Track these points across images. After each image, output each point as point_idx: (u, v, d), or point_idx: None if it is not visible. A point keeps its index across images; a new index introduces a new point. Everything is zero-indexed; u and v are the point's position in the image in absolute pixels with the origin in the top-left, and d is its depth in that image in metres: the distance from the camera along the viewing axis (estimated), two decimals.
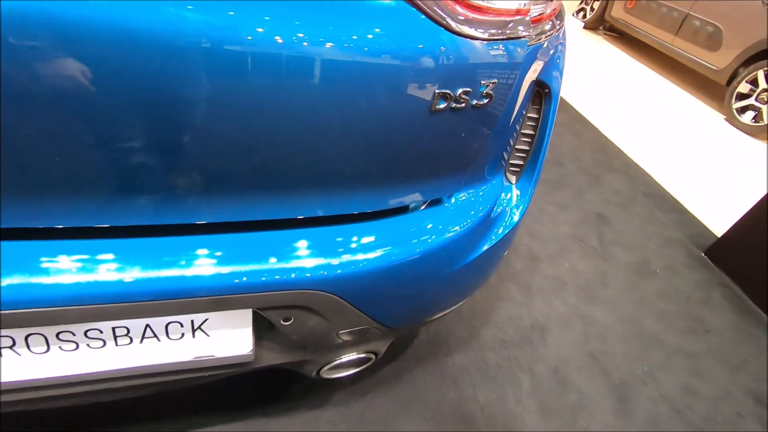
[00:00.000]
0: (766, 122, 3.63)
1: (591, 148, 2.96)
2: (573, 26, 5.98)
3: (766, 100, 3.64)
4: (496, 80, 0.63)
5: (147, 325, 0.66)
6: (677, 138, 3.47)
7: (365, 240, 0.71)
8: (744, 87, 3.79)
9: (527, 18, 0.66)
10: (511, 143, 0.87)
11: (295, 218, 0.67)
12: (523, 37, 0.65)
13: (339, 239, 0.69)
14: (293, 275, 0.64)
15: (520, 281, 1.81)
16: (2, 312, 0.53)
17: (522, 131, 0.88)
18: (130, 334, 0.66)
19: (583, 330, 1.68)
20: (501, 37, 0.62)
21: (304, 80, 0.53)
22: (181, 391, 1.20)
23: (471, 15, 0.59)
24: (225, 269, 0.62)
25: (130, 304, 0.57)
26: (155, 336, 0.68)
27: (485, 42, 0.61)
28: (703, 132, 3.69)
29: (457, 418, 1.30)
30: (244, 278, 0.62)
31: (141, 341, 0.67)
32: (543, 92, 0.84)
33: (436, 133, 0.65)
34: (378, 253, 0.70)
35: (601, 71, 4.57)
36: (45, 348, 0.63)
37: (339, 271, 0.67)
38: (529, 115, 0.86)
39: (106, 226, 0.58)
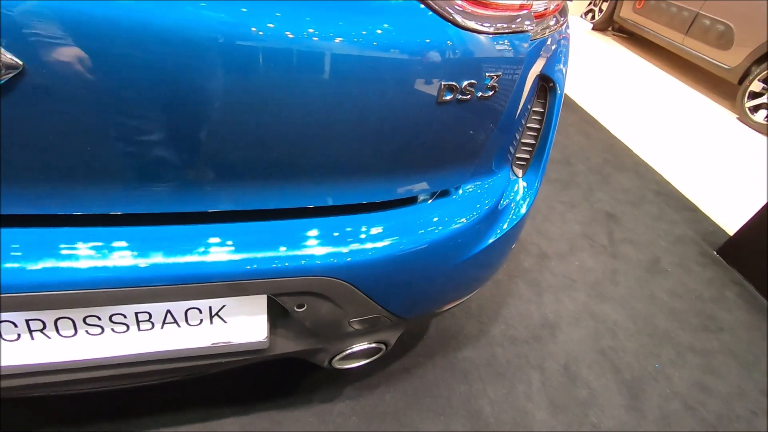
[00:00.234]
0: None
1: (600, 148, 2.95)
2: (581, 28, 5.97)
3: None
4: (500, 73, 0.66)
5: (168, 311, 0.69)
6: (688, 137, 3.44)
7: (375, 230, 0.73)
8: (756, 85, 3.75)
9: (531, 13, 0.68)
10: (517, 137, 0.89)
11: (307, 207, 0.70)
12: (527, 31, 0.67)
13: (349, 229, 0.72)
14: (306, 262, 0.67)
15: (530, 279, 1.82)
16: (37, 293, 0.56)
17: (528, 125, 0.90)
18: (152, 320, 0.69)
19: (593, 327, 1.68)
20: (505, 31, 0.65)
21: (316, 74, 0.56)
22: (199, 383, 1.24)
23: (477, 10, 0.62)
24: (241, 255, 0.65)
25: (153, 288, 0.61)
26: (175, 321, 0.71)
27: (490, 36, 0.63)
28: (714, 131, 3.65)
29: (466, 413, 1.31)
30: (259, 264, 0.65)
31: (162, 327, 0.71)
32: (548, 86, 0.86)
33: (443, 125, 0.67)
34: (387, 242, 0.73)
35: (610, 72, 4.55)
36: (73, 332, 0.67)
37: (350, 259, 0.70)
38: (534, 109, 0.88)
39: (131, 213, 0.62)
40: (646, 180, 2.70)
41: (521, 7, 0.66)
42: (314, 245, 0.68)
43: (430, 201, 0.82)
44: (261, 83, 0.55)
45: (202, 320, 0.72)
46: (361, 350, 0.95)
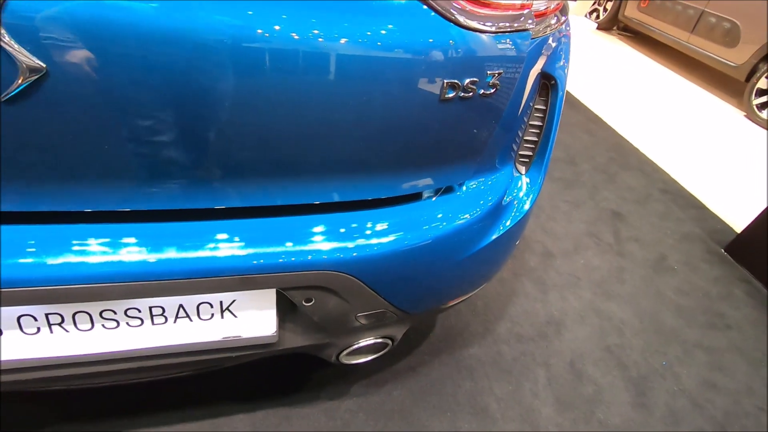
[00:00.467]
0: None
1: (605, 147, 2.95)
2: (586, 27, 5.96)
3: None
4: (501, 71, 0.67)
5: (180, 305, 0.71)
6: (695, 135, 3.42)
7: (380, 225, 0.75)
8: (764, 83, 3.72)
9: (531, 12, 0.70)
10: (520, 134, 0.91)
11: (314, 204, 0.72)
12: (527, 30, 0.69)
13: (355, 224, 0.74)
14: (313, 257, 0.69)
15: (535, 277, 1.83)
16: (56, 287, 0.59)
17: (530, 123, 0.91)
18: (165, 314, 0.71)
19: (599, 325, 1.68)
20: (506, 30, 0.66)
21: (322, 74, 0.58)
22: (207, 380, 1.26)
23: (478, 10, 0.63)
24: (250, 250, 0.67)
25: (166, 282, 0.63)
26: (188, 316, 0.73)
27: (491, 35, 0.65)
28: (722, 129, 3.63)
29: (473, 410, 1.32)
30: (268, 259, 0.67)
31: (175, 321, 0.73)
32: (549, 84, 0.88)
33: (446, 122, 0.69)
34: (392, 237, 0.75)
35: (615, 71, 4.54)
36: (90, 326, 0.69)
37: (356, 254, 0.71)
38: (536, 106, 0.90)
39: (145, 210, 0.64)
40: (653, 178, 2.69)
41: (522, 7, 0.68)
42: (321, 240, 0.70)
43: (434, 198, 0.83)
44: (268, 83, 0.57)
45: (213, 314, 0.74)
46: (368, 345, 0.97)
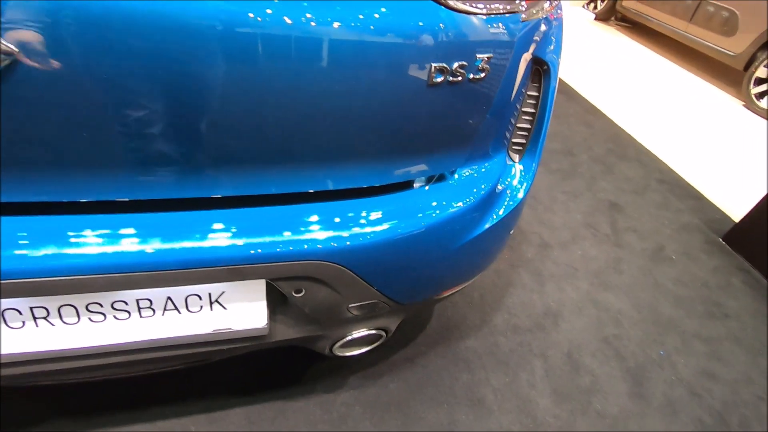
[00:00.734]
0: None
1: (603, 138, 2.93)
2: (584, 18, 5.92)
3: None
4: (491, 54, 0.66)
5: (168, 297, 0.70)
6: (693, 125, 3.41)
7: (371, 214, 0.74)
8: (762, 71, 3.70)
9: None
10: (513, 121, 0.89)
11: (301, 193, 0.71)
12: (518, 12, 0.67)
13: (345, 213, 0.73)
14: (302, 247, 0.68)
15: (532, 268, 1.82)
16: (40, 279, 0.57)
17: (523, 109, 0.90)
18: (152, 306, 0.70)
19: (597, 316, 1.67)
20: (496, 12, 0.65)
21: (311, 59, 0.57)
22: (202, 373, 1.25)
23: None
24: (238, 241, 0.66)
25: (152, 273, 0.62)
26: (176, 308, 0.72)
27: (480, 17, 0.64)
28: (720, 118, 3.61)
29: (469, 402, 1.32)
30: (256, 249, 0.66)
31: (163, 313, 0.72)
32: (542, 70, 0.86)
33: (435, 107, 0.68)
34: (383, 227, 0.73)
35: (613, 62, 4.51)
36: (76, 319, 0.68)
37: (346, 244, 0.70)
38: (529, 93, 0.88)
39: (129, 200, 0.63)
40: (650, 169, 2.68)
41: None
42: (310, 230, 0.69)
43: (426, 186, 0.82)
44: (255, 68, 0.56)
45: (202, 306, 0.73)
46: (361, 337, 0.96)
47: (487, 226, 0.88)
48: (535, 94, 0.88)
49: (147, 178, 0.61)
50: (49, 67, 0.48)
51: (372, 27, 0.57)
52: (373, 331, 0.96)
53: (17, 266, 0.57)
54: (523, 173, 0.94)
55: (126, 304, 0.69)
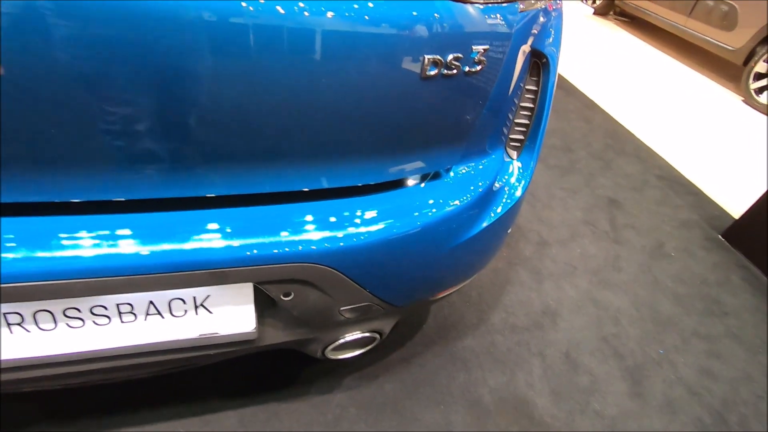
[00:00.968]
0: None
1: (602, 134, 2.91)
2: (582, 12, 5.88)
3: None
4: (488, 46, 0.63)
5: (150, 302, 0.67)
6: (692, 120, 3.38)
7: (361, 214, 0.71)
8: (762, 66, 3.67)
9: None
10: (510, 117, 0.86)
11: (289, 193, 0.68)
12: (515, 1, 0.64)
13: (335, 213, 0.69)
14: (290, 248, 0.65)
15: (530, 266, 1.80)
16: (8, 285, 0.54)
17: (521, 104, 0.87)
18: (134, 311, 0.67)
19: (596, 314, 1.65)
20: (492, 1, 0.62)
21: (299, 50, 0.54)
22: (195, 376, 1.23)
23: None
24: (223, 242, 0.63)
25: (131, 277, 0.59)
26: (159, 313, 0.69)
27: (477, 6, 0.60)
28: (719, 114, 3.59)
29: (466, 402, 1.29)
30: (242, 252, 0.63)
31: (145, 318, 0.69)
32: (541, 63, 0.83)
33: (429, 102, 0.64)
34: (375, 227, 0.70)
35: (612, 57, 4.48)
36: (53, 325, 0.65)
37: (336, 245, 0.67)
38: (527, 87, 0.85)
39: (106, 200, 0.60)
40: (649, 165, 2.65)
41: None
42: (298, 231, 0.66)
43: (421, 184, 0.79)
44: (242, 60, 0.52)
45: (186, 311, 0.70)
46: (355, 340, 0.93)
47: (484, 225, 0.85)
48: (534, 88, 0.85)
49: (128, 177, 0.58)
50: (26, 62, 0.45)
51: (363, 17, 0.54)
52: (367, 334, 0.93)
53: None
54: (521, 170, 0.91)
55: (105, 309, 0.65)
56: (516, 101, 0.85)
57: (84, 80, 0.49)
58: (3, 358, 0.63)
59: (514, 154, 0.92)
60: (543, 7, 0.73)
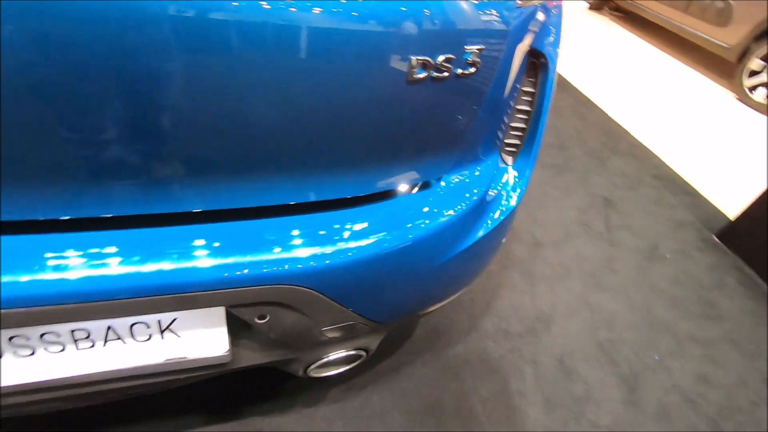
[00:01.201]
0: None
1: (597, 131, 2.86)
2: (577, 7, 5.81)
3: None
4: (482, 46, 0.56)
5: (108, 327, 0.60)
6: (687, 118, 3.35)
7: (340, 229, 0.65)
8: (756, 64, 3.64)
9: None
10: (506, 120, 0.80)
11: (257, 208, 0.61)
12: None
13: (311, 229, 0.63)
14: (264, 269, 0.59)
15: (523, 269, 1.75)
16: None
17: (517, 107, 0.81)
18: (91, 337, 0.61)
19: (590, 319, 1.61)
20: None
21: (277, 50, 0.48)
22: (174, 391, 1.16)
23: None
24: (190, 263, 0.56)
25: (78, 305, 0.52)
26: (120, 338, 0.63)
27: (470, 2, 0.54)
28: (713, 111, 3.56)
29: (457, 413, 1.25)
30: (212, 273, 0.57)
31: (104, 344, 0.62)
32: (538, 63, 0.77)
33: (417, 107, 0.58)
34: (355, 243, 0.64)
35: (606, 53, 4.43)
36: None
37: (314, 264, 0.61)
38: (524, 89, 0.79)
39: (55, 219, 0.53)
40: (645, 164, 2.62)
41: None
42: (270, 250, 0.60)
43: (407, 195, 0.73)
44: (216, 61, 0.46)
45: (151, 335, 0.64)
46: (339, 358, 0.87)
47: (477, 236, 0.80)
48: (531, 90, 0.79)
49: (90, 192, 0.51)
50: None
51: (347, 14, 0.47)
52: (352, 352, 0.87)
53: None
54: (516, 178, 0.85)
55: (58, 336, 0.59)
56: (512, 103, 0.79)
57: (47, 90, 0.42)
58: None
59: (509, 160, 0.86)
60: (542, 3, 0.67)
